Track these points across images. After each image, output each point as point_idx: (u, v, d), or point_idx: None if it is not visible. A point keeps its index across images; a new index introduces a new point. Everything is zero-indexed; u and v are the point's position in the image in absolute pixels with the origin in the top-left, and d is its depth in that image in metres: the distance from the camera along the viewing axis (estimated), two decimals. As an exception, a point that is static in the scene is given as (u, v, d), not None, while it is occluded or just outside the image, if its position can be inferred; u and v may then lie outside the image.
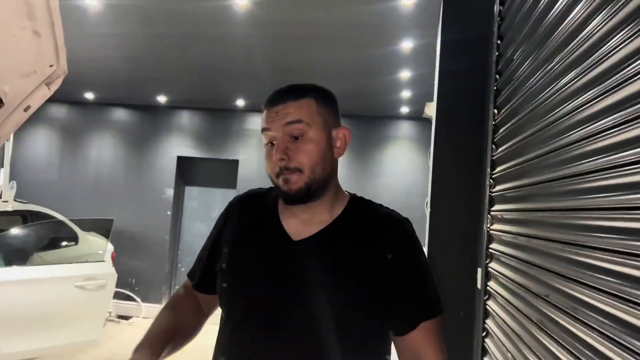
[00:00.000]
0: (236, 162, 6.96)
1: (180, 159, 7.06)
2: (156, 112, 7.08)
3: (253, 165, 6.91)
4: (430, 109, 5.66)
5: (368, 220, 1.07)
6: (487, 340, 2.01)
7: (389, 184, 6.61)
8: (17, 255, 4.23)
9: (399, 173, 6.64)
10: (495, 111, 2.11)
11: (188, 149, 7.05)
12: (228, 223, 1.18)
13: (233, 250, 1.11)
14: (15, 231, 4.40)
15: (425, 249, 5.92)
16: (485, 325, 2.04)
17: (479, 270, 2.26)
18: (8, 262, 4.05)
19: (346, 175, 6.68)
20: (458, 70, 2.53)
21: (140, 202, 6.93)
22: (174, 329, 1.10)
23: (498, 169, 2.05)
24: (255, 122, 6.94)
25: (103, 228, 4.96)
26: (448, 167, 2.53)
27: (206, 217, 7.22)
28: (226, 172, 7.07)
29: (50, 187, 6.97)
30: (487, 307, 2.04)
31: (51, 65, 0.91)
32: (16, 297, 3.74)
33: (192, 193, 7.29)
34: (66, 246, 4.89)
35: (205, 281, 1.19)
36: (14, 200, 4.85)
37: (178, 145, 7.05)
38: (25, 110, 0.96)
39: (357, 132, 6.77)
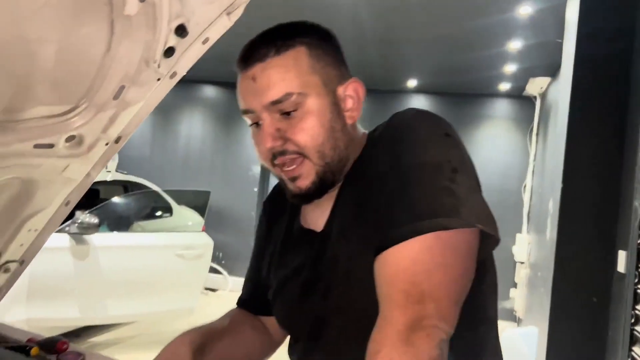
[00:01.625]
0: (322, 140, 6.92)
1: (267, 136, 7.12)
2: (245, 89, 7.18)
3: (339, 143, 6.85)
4: (534, 86, 5.33)
5: (368, 158, 0.79)
6: (638, 327, 1.82)
7: (483, 166, 6.32)
8: (121, 223, 4.43)
9: (494, 155, 6.33)
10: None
11: (275, 127, 7.10)
12: (261, 232, 1.00)
13: (267, 266, 0.94)
14: (118, 199, 4.61)
15: (523, 236, 5.57)
16: (636, 311, 1.84)
17: (623, 252, 2.05)
18: (112, 229, 4.25)
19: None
20: (600, 34, 2.30)
21: (228, 177, 7.09)
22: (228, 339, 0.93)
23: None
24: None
25: (200, 200, 5.10)
26: (584, 140, 2.32)
27: (291, 195, 7.27)
28: (312, 150, 7.06)
29: (144, 161, 7.28)
30: (639, 291, 1.84)
31: (235, -10, 0.85)
32: (122, 262, 3.92)
33: (278, 170, 7.35)
34: (162, 217, 5.09)
35: (253, 298, 1.01)
36: (116, 171, 5.09)
37: (265, 122, 7.12)
38: (204, 42, 0.91)
39: (451, 111, 6.53)
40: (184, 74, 0.94)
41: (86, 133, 0.89)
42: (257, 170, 7.07)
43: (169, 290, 4.10)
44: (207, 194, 5.24)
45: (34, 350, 0.99)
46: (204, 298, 6.33)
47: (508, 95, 6.25)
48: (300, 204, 0.83)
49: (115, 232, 4.19)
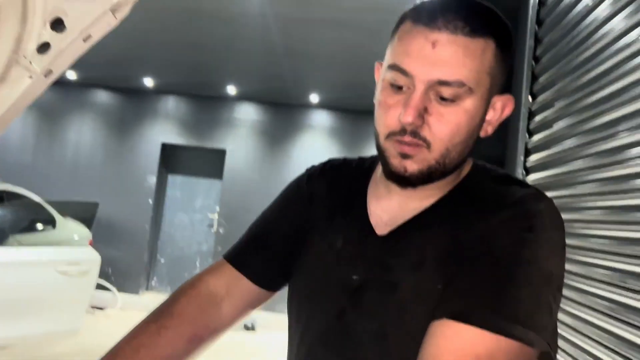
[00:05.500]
0: (223, 152, 6.80)
1: (165, 146, 6.87)
2: (142, 96, 6.87)
3: (241, 155, 6.76)
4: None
5: (476, 199, 0.73)
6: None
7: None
8: (-6, 236, 4.02)
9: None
10: (531, 98, 2.06)
11: (173, 136, 6.85)
12: (298, 203, 0.88)
13: (300, 248, 0.83)
14: (-9, 211, 4.18)
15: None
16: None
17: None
18: (-17, 243, 3.84)
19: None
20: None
21: (120, 188, 6.71)
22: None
23: (533, 157, 2.00)
24: (246, 111, 6.80)
25: (87, 212, 4.78)
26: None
27: (188, 207, 7.04)
28: (212, 161, 6.91)
29: (24, 168, 6.69)
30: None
31: (120, -13, 0.80)
32: (-7, 280, 3.53)
33: (176, 182, 7.10)
34: (43, 230, 4.69)
35: (248, 258, 0.87)
36: (-10, 178, 4.63)
37: (163, 132, 6.86)
38: (85, 40, 0.84)
39: (356, 129, 6.70)
40: (62, 73, 0.86)
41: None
42: (152, 180, 6.77)
43: (50, 310, 3.77)
44: (95, 205, 4.93)
45: None
46: (90, 318, 5.91)
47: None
48: (397, 184, 0.73)
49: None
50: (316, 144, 6.72)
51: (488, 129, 0.73)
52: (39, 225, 4.67)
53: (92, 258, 4.17)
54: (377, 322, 0.71)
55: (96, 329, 5.44)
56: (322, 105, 6.65)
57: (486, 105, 0.71)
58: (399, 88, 0.69)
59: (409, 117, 0.66)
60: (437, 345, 0.61)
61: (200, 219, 7.00)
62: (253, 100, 6.73)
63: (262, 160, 6.78)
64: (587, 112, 1.61)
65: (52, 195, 5.82)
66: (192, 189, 7.08)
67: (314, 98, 6.34)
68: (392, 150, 0.70)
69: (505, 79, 0.73)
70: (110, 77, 6.54)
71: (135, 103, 6.89)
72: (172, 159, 7.01)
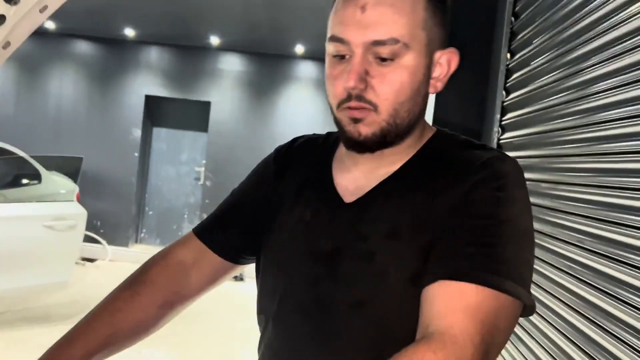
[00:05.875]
0: (208, 103, 6.73)
1: (149, 98, 6.76)
2: (123, 46, 6.70)
3: (226, 107, 6.70)
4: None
5: (443, 165, 0.75)
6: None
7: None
8: (-22, 192, 4.01)
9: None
10: (509, 55, 2.05)
11: (157, 88, 6.74)
12: (265, 181, 0.89)
13: (269, 224, 0.84)
14: (-26, 166, 4.16)
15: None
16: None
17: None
18: (-32, 199, 3.84)
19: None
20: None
21: (106, 141, 6.66)
22: (118, 326, 0.82)
23: (508, 115, 2.01)
24: (231, 62, 6.68)
25: (71, 167, 4.76)
26: (446, 116, 2.46)
27: (175, 160, 7.03)
28: (197, 113, 6.84)
29: (6, 122, 6.59)
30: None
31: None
32: (-21, 236, 3.56)
33: (161, 135, 7.04)
34: (29, 185, 4.68)
35: (215, 233, 0.89)
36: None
37: (147, 83, 6.74)
38: (41, 11, 0.83)
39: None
40: (20, 43, 0.85)
41: None
42: (137, 133, 6.72)
43: (38, 263, 3.82)
44: (79, 160, 4.90)
45: None
46: (81, 269, 6.00)
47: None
48: (351, 149, 0.76)
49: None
50: (302, 95, 6.66)
51: (437, 85, 0.76)
52: (24, 180, 4.66)
53: (78, 212, 4.20)
54: (355, 291, 0.72)
55: (86, 280, 5.55)
56: (308, 56, 6.54)
57: (428, 60, 0.73)
58: (341, 58, 0.72)
59: (350, 82, 0.69)
60: (445, 305, 0.63)
61: (187, 172, 7.01)
62: (237, 51, 6.61)
63: (248, 112, 6.73)
64: (565, 71, 1.61)
65: (37, 149, 5.76)
66: (177, 141, 7.04)
67: (299, 49, 6.23)
68: (345, 119, 0.73)
69: (445, 34, 0.75)
70: (90, 27, 6.35)
71: (116, 54, 6.73)
72: (156, 111, 6.92)
